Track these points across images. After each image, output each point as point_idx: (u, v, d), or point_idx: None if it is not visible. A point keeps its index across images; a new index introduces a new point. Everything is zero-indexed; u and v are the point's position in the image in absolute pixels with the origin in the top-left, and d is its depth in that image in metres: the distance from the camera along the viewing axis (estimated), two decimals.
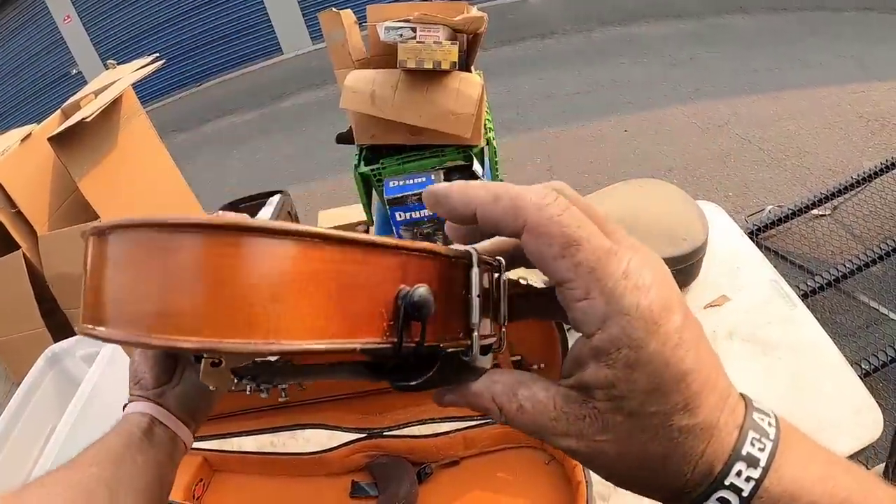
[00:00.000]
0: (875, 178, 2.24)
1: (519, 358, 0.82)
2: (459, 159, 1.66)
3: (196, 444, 1.02)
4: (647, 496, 0.29)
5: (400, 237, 1.64)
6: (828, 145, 2.80)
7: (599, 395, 0.26)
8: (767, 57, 3.66)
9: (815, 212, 2.27)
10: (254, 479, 1.03)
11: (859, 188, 2.26)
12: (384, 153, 1.74)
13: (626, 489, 0.29)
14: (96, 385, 1.25)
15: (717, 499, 0.26)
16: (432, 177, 1.60)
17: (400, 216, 1.59)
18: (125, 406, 0.53)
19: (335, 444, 0.95)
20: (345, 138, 1.89)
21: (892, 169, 2.24)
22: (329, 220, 2.64)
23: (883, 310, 1.94)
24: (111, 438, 0.49)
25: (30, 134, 2.42)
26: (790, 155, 2.81)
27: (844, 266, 1.95)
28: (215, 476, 1.05)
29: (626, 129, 3.37)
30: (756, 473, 0.26)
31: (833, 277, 1.93)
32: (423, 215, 1.59)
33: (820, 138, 2.86)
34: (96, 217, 2.23)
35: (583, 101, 3.73)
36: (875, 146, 2.72)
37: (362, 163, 1.76)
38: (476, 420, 0.88)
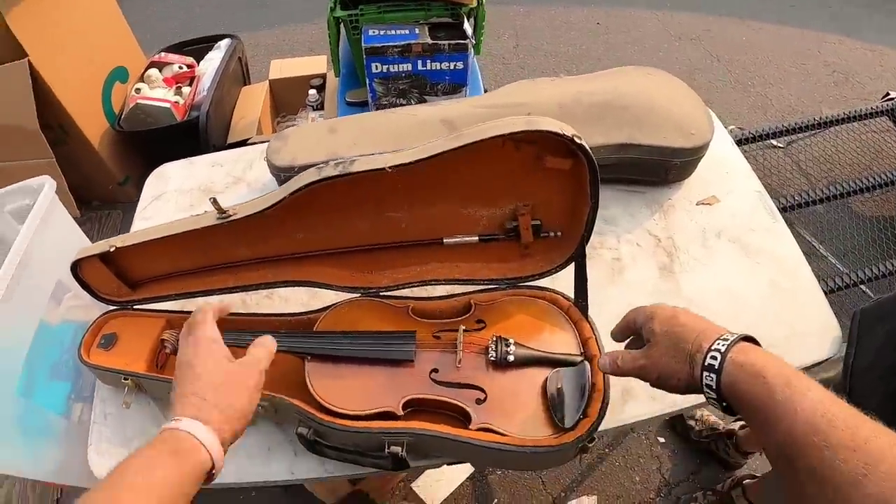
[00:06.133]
0: (832, 125, 2.28)
1: (538, 223, 0.76)
2: (446, 16, 1.51)
3: (156, 306, 0.89)
4: (677, 378, 0.58)
5: (373, 91, 1.51)
6: (791, 83, 2.82)
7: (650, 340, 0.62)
8: None
9: (772, 141, 2.31)
10: None
11: (816, 131, 2.30)
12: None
13: (670, 383, 0.59)
14: (30, 245, 1.07)
15: (709, 359, 0.54)
16: (416, 31, 1.46)
17: (376, 68, 1.45)
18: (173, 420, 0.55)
19: (320, 306, 0.85)
20: None
21: (849, 122, 2.28)
22: (283, 69, 2.41)
23: (819, 247, 2.05)
24: (174, 472, 0.51)
25: None
26: (755, 83, 2.81)
27: (793, 198, 2.00)
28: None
29: (598, 21, 3.25)
30: (723, 346, 0.54)
31: (779, 206, 1.98)
32: (400, 70, 1.46)
33: (786, 74, 2.87)
34: (23, 55, 1.90)
35: None
36: (835, 97, 2.77)
37: (338, 6, 1.57)
38: (482, 284, 0.82)
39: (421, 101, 1.50)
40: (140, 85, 2.32)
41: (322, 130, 1.01)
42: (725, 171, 1.17)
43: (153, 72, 2.37)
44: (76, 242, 1.36)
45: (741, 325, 0.93)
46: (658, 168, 1.05)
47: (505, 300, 0.83)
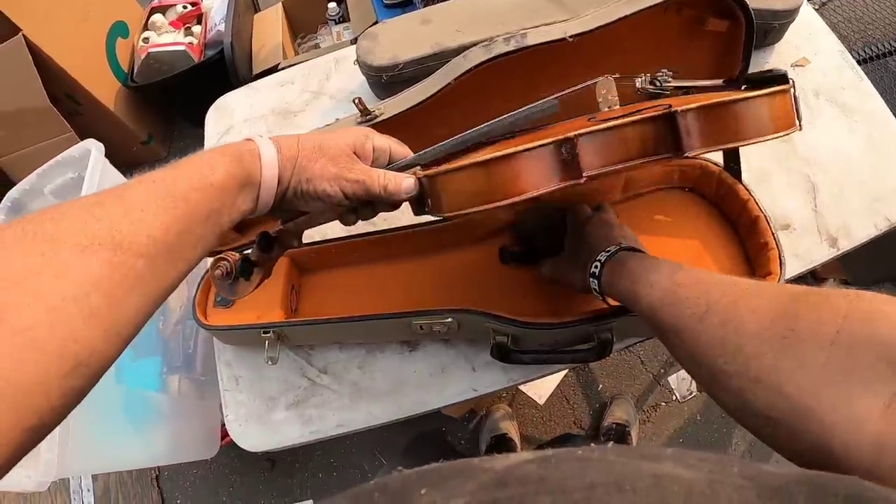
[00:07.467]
0: None
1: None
2: None
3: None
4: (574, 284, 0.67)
5: None
6: None
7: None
8: None
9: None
10: (350, 270, 0.86)
11: None
12: None
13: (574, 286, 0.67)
14: None
15: (593, 268, 0.62)
16: None
17: None
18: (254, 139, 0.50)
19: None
20: None
21: None
22: None
23: None
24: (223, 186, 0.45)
25: None
26: None
27: None
28: (304, 279, 0.87)
29: None
30: (604, 257, 0.61)
31: None
32: None
33: None
34: (16, 31, 1.80)
35: None
36: None
37: None
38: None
39: None
40: (147, 34, 2.21)
41: (414, 23, 0.97)
42: (808, 32, 1.16)
43: (157, 17, 2.26)
44: None
45: (851, 180, 0.97)
46: (757, 31, 1.04)
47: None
